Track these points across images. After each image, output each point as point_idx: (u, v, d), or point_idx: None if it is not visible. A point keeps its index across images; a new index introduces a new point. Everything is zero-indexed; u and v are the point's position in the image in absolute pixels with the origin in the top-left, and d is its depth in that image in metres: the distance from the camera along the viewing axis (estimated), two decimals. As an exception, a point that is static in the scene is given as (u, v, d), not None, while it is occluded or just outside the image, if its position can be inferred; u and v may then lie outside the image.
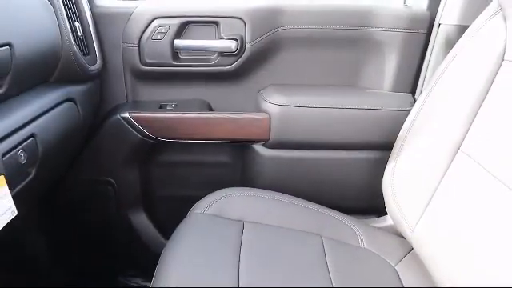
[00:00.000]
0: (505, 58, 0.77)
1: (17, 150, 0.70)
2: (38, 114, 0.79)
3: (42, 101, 0.82)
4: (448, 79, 0.88)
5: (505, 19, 0.78)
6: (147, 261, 1.01)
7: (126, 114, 1.07)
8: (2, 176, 0.64)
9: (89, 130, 1.08)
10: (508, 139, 0.69)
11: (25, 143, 0.73)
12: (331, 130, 1.06)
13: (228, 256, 0.80)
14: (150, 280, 0.80)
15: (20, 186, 0.73)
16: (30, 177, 0.77)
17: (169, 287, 0.71)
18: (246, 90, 1.13)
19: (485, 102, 0.79)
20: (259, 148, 1.10)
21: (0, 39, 0.66)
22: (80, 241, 1.25)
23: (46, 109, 0.82)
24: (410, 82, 1.07)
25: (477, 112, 0.79)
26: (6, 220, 0.65)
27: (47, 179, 0.95)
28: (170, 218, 1.01)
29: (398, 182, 0.96)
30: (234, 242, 0.84)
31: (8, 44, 0.68)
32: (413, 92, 1.08)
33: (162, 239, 1.20)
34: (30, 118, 0.76)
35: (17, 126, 0.72)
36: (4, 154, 0.66)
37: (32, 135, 0.75)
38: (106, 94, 1.10)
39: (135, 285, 1.28)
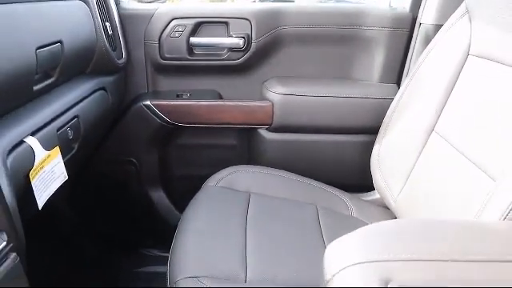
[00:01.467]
0: (469, 53, 0.91)
1: (66, 127, 0.85)
2: (79, 99, 0.94)
3: (81, 89, 0.98)
4: (424, 71, 1.02)
5: (470, 20, 0.92)
6: (164, 233, 1.15)
7: (148, 102, 1.22)
8: (58, 147, 0.80)
9: (115, 116, 1.23)
10: (472, 121, 0.83)
11: (71, 122, 0.88)
12: (326, 116, 1.21)
13: (237, 221, 0.95)
14: (165, 250, 0.92)
15: (66, 158, 0.88)
16: (73, 151, 0.92)
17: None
18: (252, 81, 1.28)
19: (454, 89, 0.93)
20: (263, 132, 1.26)
21: (54, 37, 0.81)
22: (105, 214, 1.40)
23: (85, 95, 0.98)
24: (395, 74, 1.22)
25: (447, 98, 0.93)
26: (59, 182, 0.81)
27: (83, 155, 1.10)
28: (184, 194, 1.16)
29: (383, 161, 1.10)
30: (242, 209, 0.99)
31: (60, 41, 0.83)
32: (398, 83, 1.22)
33: (177, 213, 1.36)
34: (74, 102, 0.91)
35: (66, 108, 0.87)
36: (58, 129, 0.82)
37: (76, 116, 0.90)
38: (129, 84, 1.25)
39: (153, 255, 1.43)
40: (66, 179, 0.83)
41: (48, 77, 0.83)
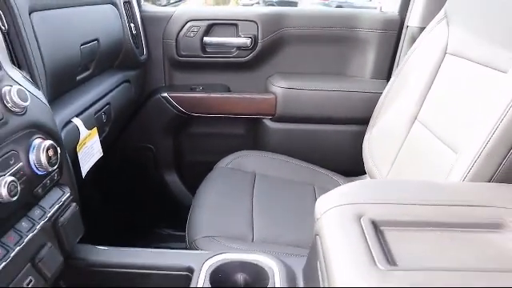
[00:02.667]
0: (447, 52, 1.04)
1: (101, 112, 1.00)
2: (110, 89, 1.09)
3: (111, 80, 1.13)
4: (409, 67, 1.16)
5: (448, 24, 1.06)
6: (177, 213, 1.29)
7: (165, 94, 1.37)
8: (96, 128, 0.95)
9: (136, 106, 1.38)
10: (445, 109, 0.96)
11: (104, 108, 1.03)
12: (323, 107, 1.35)
13: (244, 194, 1.09)
14: (178, 229, 1.04)
15: (100, 139, 1.03)
16: (105, 133, 1.07)
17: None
18: (258, 76, 1.42)
19: (434, 83, 1.06)
20: (267, 122, 1.40)
21: (93, 35, 0.96)
22: (123, 195, 1.54)
23: (114, 86, 1.12)
24: (385, 71, 1.36)
25: (428, 91, 1.07)
26: (97, 157, 0.95)
27: (110, 139, 1.25)
28: (195, 178, 1.29)
29: (373, 147, 1.24)
30: (249, 186, 1.14)
31: (97, 39, 0.98)
32: (387, 79, 1.36)
33: (189, 195, 1.50)
34: (106, 91, 1.06)
35: (100, 96, 1.02)
36: (95, 113, 0.96)
37: (108, 103, 1.05)
38: (149, 78, 1.40)
39: (167, 233, 1.57)
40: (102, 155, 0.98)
41: (86, 69, 0.98)
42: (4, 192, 0.48)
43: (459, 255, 0.50)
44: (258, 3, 11.94)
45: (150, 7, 1.37)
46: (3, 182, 0.49)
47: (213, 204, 1.03)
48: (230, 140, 1.46)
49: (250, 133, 1.47)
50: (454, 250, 0.51)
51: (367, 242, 0.50)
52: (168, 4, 1.85)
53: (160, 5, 1.77)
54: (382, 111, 1.23)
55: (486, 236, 0.54)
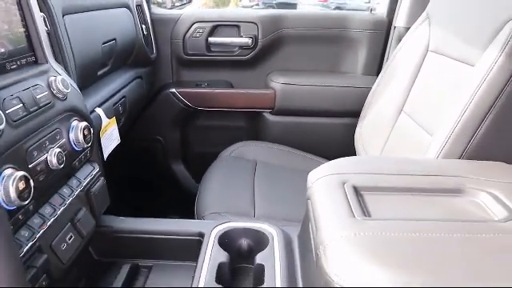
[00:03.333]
0: (429, 49, 1.15)
1: (118, 103, 1.11)
2: (125, 84, 1.20)
3: (125, 76, 1.24)
4: (395, 64, 1.27)
5: (429, 24, 1.17)
6: (183, 200, 1.39)
7: (173, 90, 1.48)
8: (114, 117, 1.05)
9: (146, 100, 1.49)
10: (426, 100, 1.07)
11: (121, 100, 1.14)
12: (318, 101, 1.46)
13: (247, 178, 1.20)
14: (184, 216, 1.13)
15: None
16: (121, 124, 1.18)
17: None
18: (258, 73, 1.54)
19: (417, 77, 1.17)
20: (267, 115, 1.51)
21: (112, 36, 1.07)
22: (134, 184, 1.65)
23: (128, 81, 1.23)
24: (375, 68, 1.47)
25: (412, 84, 1.18)
26: (115, 143, 1.06)
27: (124, 129, 1.35)
28: (200, 167, 1.39)
29: (364, 137, 1.35)
30: (251, 172, 1.24)
31: (114, 39, 1.09)
32: (377, 75, 1.46)
33: (195, 183, 1.61)
34: (122, 85, 1.17)
35: (117, 89, 1.13)
36: (113, 105, 1.07)
37: (124, 96, 1.16)
38: (158, 75, 1.51)
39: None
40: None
41: (105, 65, 1.09)
42: (54, 160, 0.59)
43: (424, 211, 0.61)
44: (257, 5, 12.07)
45: (159, 10, 1.49)
46: (53, 152, 0.60)
47: (218, 186, 1.14)
48: (233, 132, 1.57)
49: (250, 125, 1.58)
50: (420, 208, 0.62)
51: (348, 202, 0.61)
52: (173, 7, 1.96)
53: (165, 8, 1.88)
54: (372, 104, 1.34)
55: (449, 199, 0.65)
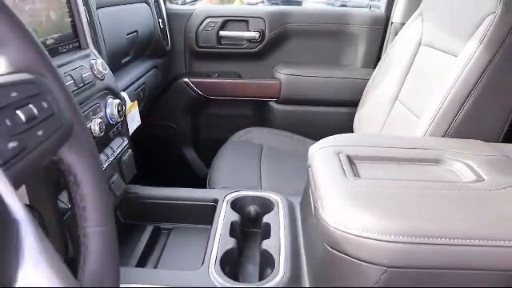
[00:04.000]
0: (421, 44, 1.26)
1: (138, 89, 1.23)
2: (144, 72, 1.31)
3: (144, 65, 1.35)
4: (391, 57, 1.38)
5: (422, 20, 1.28)
6: (193, 184, 1.50)
7: (186, 79, 1.59)
8: (136, 101, 1.17)
9: (160, 89, 1.60)
10: (418, 88, 1.17)
11: (141, 87, 1.25)
12: (320, 91, 1.57)
13: (253, 159, 1.31)
14: None
15: (136, 113, 1.25)
16: (140, 108, 1.29)
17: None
18: (265, 65, 1.65)
19: (411, 69, 1.27)
20: (272, 103, 1.62)
21: (134, 28, 1.19)
22: (147, 168, 1.76)
23: (146, 70, 1.35)
24: (373, 61, 1.57)
25: (406, 75, 1.28)
26: (137, 124, 1.17)
27: (141, 114, 1.46)
28: (210, 153, 1.50)
29: (362, 124, 1.45)
30: (257, 155, 1.35)
31: (136, 31, 1.20)
32: (375, 67, 1.57)
33: (204, 167, 1.72)
34: (142, 73, 1.29)
35: (138, 77, 1.24)
36: (135, 90, 1.19)
37: (144, 83, 1.27)
38: (172, 65, 1.62)
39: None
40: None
41: (127, 55, 1.20)
42: (96, 129, 0.71)
43: (406, 175, 0.72)
44: (262, 2, 12.15)
45: (174, 6, 1.60)
46: (96, 122, 0.71)
47: (228, 166, 1.25)
48: (241, 119, 1.68)
49: (257, 113, 1.69)
50: (403, 173, 0.73)
51: (342, 167, 0.72)
52: (184, 3, 2.07)
53: (177, 3, 1.98)
54: (369, 94, 1.44)
55: (428, 167, 0.77)
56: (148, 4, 1.35)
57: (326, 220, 0.60)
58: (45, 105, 0.34)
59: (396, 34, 1.45)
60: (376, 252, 0.57)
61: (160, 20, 1.46)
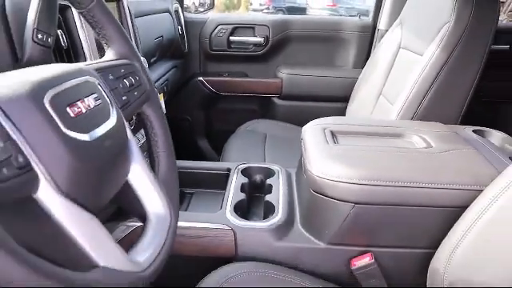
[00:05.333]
0: (400, 47, 1.48)
1: (163, 85, 1.46)
2: (166, 71, 1.55)
3: (166, 65, 1.58)
4: (376, 58, 1.60)
5: (401, 27, 1.50)
6: None
7: (200, 78, 1.83)
8: (162, 93, 1.40)
9: (178, 86, 1.83)
10: (396, 82, 1.40)
11: (165, 83, 1.48)
12: (317, 89, 1.80)
13: (258, 146, 1.53)
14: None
15: (160, 104, 1.48)
16: (163, 101, 1.52)
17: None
18: (269, 66, 1.88)
19: (392, 68, 1.50)
20: (275, 99, 1.85)
21: (160, 33, 1.42)
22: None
23: (168, 69, 1.58)
24: (362, 62, 1.80)
25: (389, 73, 1.50)
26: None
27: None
28: (220, 142, 1.71)
29: (352, 115, 1.68)
30: (262, 141, 1.58)
31: (161, 36, 1.44)
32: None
33: (216, 155, 1.95)
34: (165, 71, 1.52)
35: (162, 74, 1.48)
36: (161, 85, 1.42)
37: (167, 80, 1.51)
38: (188, 66, 1.86)
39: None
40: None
41: (154, 56, 1.44)
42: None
43: (373, 143, 0.95)
44: (267, 8, 12.43)
45: (190, 14, 1.84)
46: None
47: (237, 148, 1.48)
48: (247, 113, 1.91)
49: (262, 107, 1.92)
50: (371, 142, 0.96)
51: (326, 138, 0.94)
52: (196, 12, 2.31)
53: (190, 12, 2.22)
54: (358, 91, 1.67)
55: (393, 139, 0.99)
56: (170, 13, 1.59)
57: (311, 171, 0.83)
58: (136, 78, 0.57)
59: (381, 39, 1.68)
60: (346, 192, 0.79)
61: (179, 27, 1.70)
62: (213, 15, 1.84)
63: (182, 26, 1.73)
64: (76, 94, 0.42)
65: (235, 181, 1.06)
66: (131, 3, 1.14)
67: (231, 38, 1.81)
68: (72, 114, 0.39)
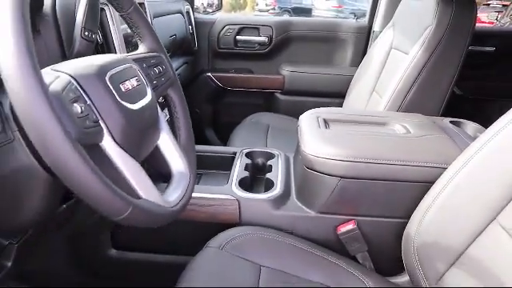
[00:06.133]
0: (392, 47, 1.61)
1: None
2: (179, 66, 1.70)
3: (178, 61, 1.73)
4: (370, 57, 1.73)
5: (394, 29, 1.64)
6: None
7: (209, 74, 1.98)
8: (175, 86, 1.55)
9: (188, 81, 1.98)
10: (387, 77, 1.53)
11: (178, 76, 1.63)
12: (316, 85, 1.94)
13: (261, 137, 1.67)
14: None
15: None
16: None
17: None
18: (272, 63, 2.02)
19: (384, 66, 1.63)
20: (278, 94, 2.00)
21: (173, 32, 1.57)
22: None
23: (180, 65, 1.73)
24: (359, 61, 1.93)
25: (381, 71, 1.64)
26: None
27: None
28: (226, 133, 1.86)
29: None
30: (265, 130, 1.71)
31: (175, 34, 1.59)
32: (360, 66, 1.95)
33: (222, 145, 2.09)
34: (177, 67, 1.67)
35: (175, 69, 1.62)
36: (174, 79, 1.57)
37: (179, 74, 1.66)
38: (198, 62, 2.00)
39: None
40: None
41: (168, 53, 1.57)
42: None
43: (359, 129, 1.08)
44: (273, 9, 12.58)
45: (200, 15, 1.99)
46: None
47: (242, 137, 1.63)
48: (251, 107, 2.05)
49: (265, 101, 2.07)
50: (358, 128, 1.10)
51: (319, 124, 1.08)
52: (205, 12, 2.45)
53: (199, 13, 2.37)
54: (354, 87, 1.80)
55: (376, 126, 1.13)
56: (182, 14, 1.74)
57: (305, 150, 0.97)
58: (163, 67, 0.72)
59: (376, 39, 1.82)
60: (334, 168, 0.93)
61: (190, 26, 1.85)
62: (221, 16, 1.98)
63: (192, 26, 1.88)
64: (124, 76, 0.56)
65: (240, 162, 1.20)
66: (149, 5, 1.29)
67: (238, 37, 1.96)
68: (123, 90, 0.54)
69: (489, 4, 8.25)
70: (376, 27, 1.86)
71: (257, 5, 13.45)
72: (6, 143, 0.50)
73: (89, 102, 0.48)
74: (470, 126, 1.20)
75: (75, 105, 0.45)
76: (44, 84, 0.38)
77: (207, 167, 1.31)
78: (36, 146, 0.39)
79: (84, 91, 0.48)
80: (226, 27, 1.95)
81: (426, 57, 1.24)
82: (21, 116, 0.38)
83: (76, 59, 0.55)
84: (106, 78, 0.52)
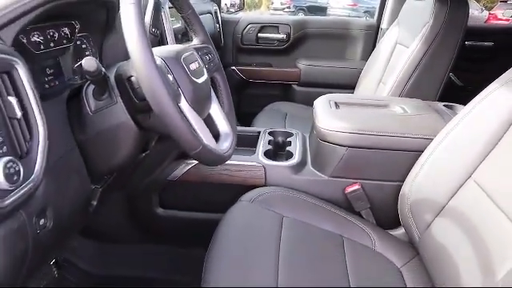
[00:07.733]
0: (397, 42, 1.81)
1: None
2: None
3: (208, 56, 1.96)
4: (378, 52, 1.92)
5: (399, 26, 1.83)
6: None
7: (233, 67, 2.20)
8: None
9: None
10: (392, 71, 1.73)
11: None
12: (330, 78, 2.14)
13: (280, 122, 1.89)
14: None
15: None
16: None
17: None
18: (290, 58, 2.23)
19: (390, 60, 1.83)
20: (295, 86, 2.21)
21: (205, 30, 1.80)
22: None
23: (209, 59, 1.95)
24: (368, 55, 2.12)
25: (387, 65, 1.83)
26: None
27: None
28: (248, 121, 2.05)
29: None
30: (283, 118, 1.92)
31: (206, 32, 1.81)
32: (369, 60, 2.14)
33: (244, 132, 2.31)
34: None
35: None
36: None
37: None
38: (223, 57, 2.22)
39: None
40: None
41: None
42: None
43: (366, 110, 1.29)
44: (288, 7, 12.73)
45: (226, 15, 2.22)
46: None
47: (263, 122, 1.84)
48: (271, 97, 2.25)
49: (283, 92, 2.28)
50: (363, 109, 1.30)
51: (330, 105, 1.29)
52: (228, 12, 2.67)
53: (222, 13, 2.60)
54: (363, 79, 2.00)
55: (379, 108, 1.33)
56: (211, 14, 1.97)
57: (319, 125, 1.18)
58: (211, 55, 0.94)
59: (383, 36, 2.02)
60: (342, 139, 1.13)
61: (217, 25, 2.08)
62: (245, 16, 2.21)
63: (219, 24, 2.11)
64: (191, 59, 0.79)
65: (264, 139, 1.42)
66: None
67: (259, 34, 2.18)
68: (192, 69, 0.76)
69: (506, 1, 8.22)
70: (384, 25, 2.05)
71: (272, 3, 13.63)
72: (111, 105, 0.73)
73: (171, 77, 0.71)
74: (461, 108, 1.40)
75: (168, 76, 0.67)
76: (155, 62, 0.61)
77: (236, 144, 1.53)
78: (148, 97, 0.62)
79: (169, 68, 0.71)
80: (249, 26, 2.17)
81: (423, 49, 1.44)
82: (141, 81, 0.61)
83: (159, 47, 0.78)
84: (182, 60, 0.74)
